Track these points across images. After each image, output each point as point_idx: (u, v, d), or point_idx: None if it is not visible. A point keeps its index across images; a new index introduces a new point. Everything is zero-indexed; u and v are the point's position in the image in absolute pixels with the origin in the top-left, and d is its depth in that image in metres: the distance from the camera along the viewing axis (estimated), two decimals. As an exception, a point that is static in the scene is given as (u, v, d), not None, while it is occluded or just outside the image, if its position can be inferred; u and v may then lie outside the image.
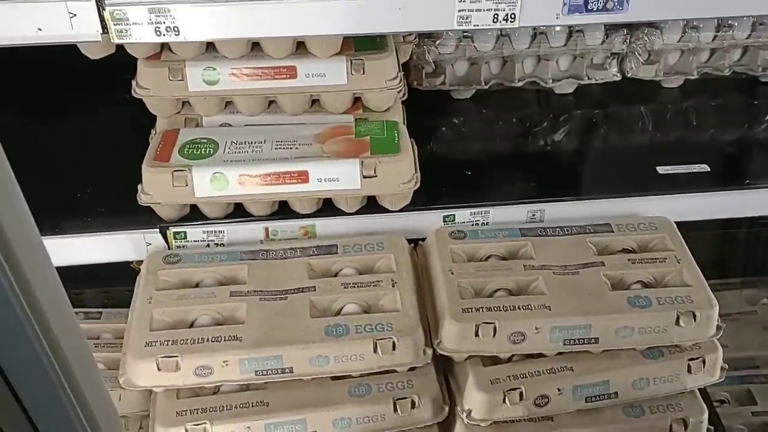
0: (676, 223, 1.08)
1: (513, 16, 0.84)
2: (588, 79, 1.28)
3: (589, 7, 0.84)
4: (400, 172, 1.00)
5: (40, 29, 0.76)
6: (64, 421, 0.39)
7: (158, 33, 0.79)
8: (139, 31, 0.78)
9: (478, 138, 1.25)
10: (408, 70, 1.26)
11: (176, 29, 0.79)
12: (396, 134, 1.03)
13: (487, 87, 1.28)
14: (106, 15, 0.77)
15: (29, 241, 0.35)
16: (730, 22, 1.22)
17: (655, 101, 1.31)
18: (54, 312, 0.36)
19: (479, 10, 0.83)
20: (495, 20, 0.84)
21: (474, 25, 0.84)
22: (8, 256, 0.33)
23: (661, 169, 1.13)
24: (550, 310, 0.93)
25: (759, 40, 1.24)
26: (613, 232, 1.05)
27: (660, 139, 1.24)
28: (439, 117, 1.28)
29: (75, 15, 0.76)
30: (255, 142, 1.02)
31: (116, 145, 1.16)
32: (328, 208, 1.04)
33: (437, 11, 0.83)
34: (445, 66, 1.25)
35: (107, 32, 0.78)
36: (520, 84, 1.27)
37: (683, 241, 1.05)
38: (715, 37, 1.24)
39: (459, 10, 0.83)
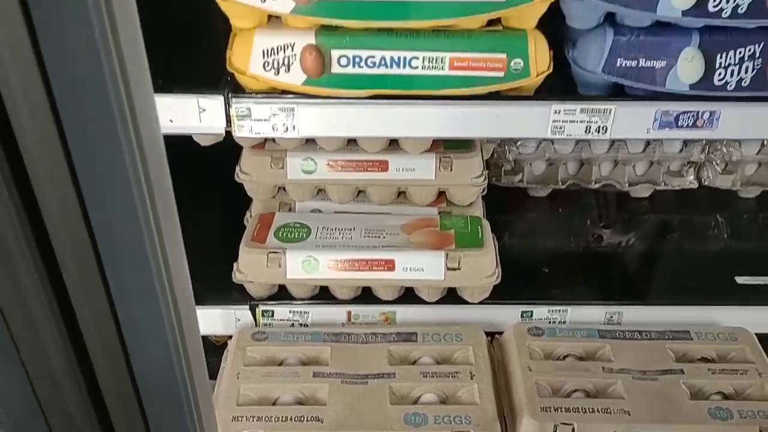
0: (756, 334, 1.07)
1: (605, 128, 0.89)
2: (664, 185, 1.30)
3: (679, 124, 0.89)
4: (483, 266, 1.03)
5: (171, 121, 0.84)
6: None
7: (275, 129, 0.87)
8: (258, 127, 0.86)
9: (555, 236, 1.28)
10: (488, 167, 1.31)
11: (294, 127, 0.86)
12: (480, 229, 1.07)
13: (563, 187, 1.31)
14: (232, 111, 0.84)
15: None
16: (809, 137, 1.24)
17: (732, 210, 1.32)
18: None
19: (573, 121, 0.88)
20: (587, 131, 0.89)
21: (567, 135, 0.89)
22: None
23: (740, 279, 1.14)
24: (629, 415, 0.93)
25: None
26: (692, 339, 1.05)
27: (738, 249, 1.25)
28: (517, 213, 1.32)
29: (204, 110, 0.84)
30: (345, 229, 1.07)
31: (210, 225, 1.23)
32: (408, 295, 1.08)
33: (533, 121, 0.88)
34: (523, 165, 1.30)
35: (231, 125, 0.86)
36: (596, 186, 1.31)
37: (764, 353, 1.04)
38: (793, 150, 1.26)
39: (553, 121, 0.88)
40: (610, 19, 0.88)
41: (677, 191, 1.33)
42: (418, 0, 0.81)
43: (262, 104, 0.85)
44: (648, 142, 1.26)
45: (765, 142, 1.26)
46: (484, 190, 1.18)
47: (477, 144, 1.13)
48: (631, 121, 0.88)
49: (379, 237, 1.06)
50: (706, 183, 1.31)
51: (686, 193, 1.33)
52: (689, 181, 1.31)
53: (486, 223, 1.10)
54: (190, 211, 1.29)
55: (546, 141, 1.27)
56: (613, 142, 1.26)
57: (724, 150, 1.26)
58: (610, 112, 0.88)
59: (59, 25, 0.31)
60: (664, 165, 1.30)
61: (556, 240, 1.27)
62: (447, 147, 1.10)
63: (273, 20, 0.86)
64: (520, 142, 1.27)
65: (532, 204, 1.34)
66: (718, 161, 1.29)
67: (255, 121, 0.86)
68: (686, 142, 1.26)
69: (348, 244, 1.04)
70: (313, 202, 1.14)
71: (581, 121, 0.88)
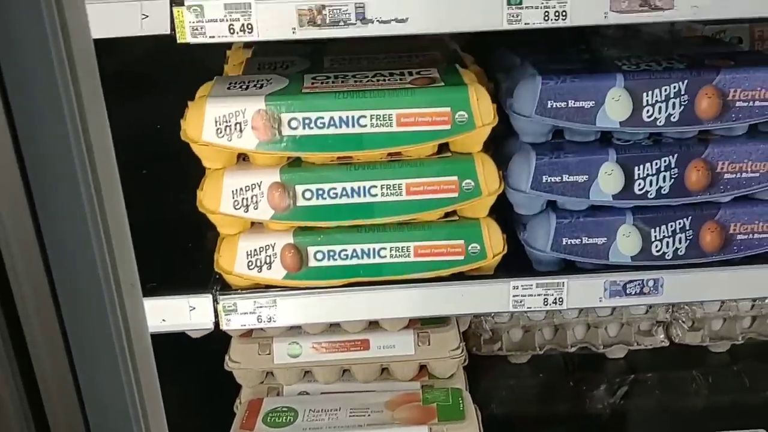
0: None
1: (561, 299, 0.97)
2: (637, 345, 1.36)
3: (628, 292, 0.97)
4: (466, 438, 1.06)
5: (164, 320, 0.92)
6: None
7: (260, 320, 0.95)
8: (244, 319, 0.94)
9: (537, 402, 1.32)
10: (467, 338, 1.37)
11: (275, 317, 0.94)
12: (461, 401, 1.11)
13: (541, 352, 1.37)
14: (220, 307, 0.93)
15: None
16: (764, 291, 1.33)
17: (705, 365, 1.37)
18: None
19: (531, 295, 0.97)
20: (545, 303, 0.97)
21: (527, 308, 0.97)
22: None
23: (721, 436, 1.16)
24: None
25: (795, 308, 1.33)
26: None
27: (714, 403, 1.28)
28: (498, 381, 1.36)
29: (194, 308, 0.92)
30: (331, 410, 1.11)
31: (200, 414, 1.26)
32: (397, 474, 1.09)
33: (494, 297, 0.97)
34: (501, 333, 1.37)
35: (218, 320, 0.94)
36: (572, 349, 1.37)
37: None
38: (753, 305, 1.33)
39: (513, 296, 0.97)
40: (552, 204, 0.99)
41: (651, 350, 1.39)
42: (382, 201, 0.93)
43: (246, 299, 0.94)
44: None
45: (724, 299, 1.34)
46: (465, 361, 1.24)
47: (452, 318, 1.20)
48: (584, 292, 0.97)
49: (364, 416, 1.10)
50: (676, 340, 1.37)
51: (660, 351, 1.38)
52: (660, 339, 1.37)
53: (467, 395, 1.14)
54: (182, 400, 1.34)
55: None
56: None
57: (688, 308, 1.34)
58: (563, 285, 0.97)
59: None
60: (634, 325, 1.37)
61: (538, 406, 1.31)
62: (424, 323, 1.17)
63: (255, 227, 0.97)
64: (494, 312, 1.34)
65: (514, 371, 1.38)
66: (684, 319, 1.36)
67: (241, 314, 0.94)
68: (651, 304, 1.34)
69: (335, 424, 1.08)
70: (300, 385, 1.19)
71: (538, 295, 0.97)
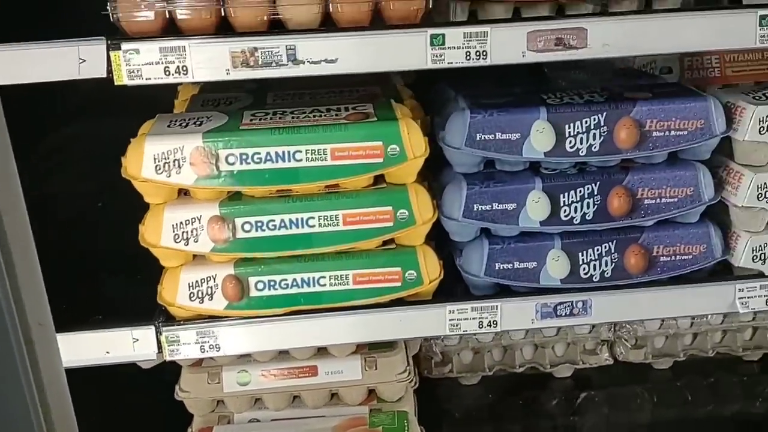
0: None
1: (495, 322, 1.01)
2: (583, 363, 1.41)
3: (558, 313, 1.01)
4: (410, 460, 1.09)
5: (108, 352, 0.94)
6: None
7: (203, 350, 0.97)
8: (187, 350, 0.96)
9: (488, 421, 1.35)
10: (418, 361, 1.40)
11: (218, 347, 0.97)
12: (406, 423, 1.14)
13: (491, 373, 1.41)
14: (162, 338, 0.95)
15: None
16: (701, 309, 1.38)
17: (649, 382, 1.41)
18: None
19: (466, 318, 1.01)
20: (480, 326, 1.01)
21: (464, 331, 1.01)
22: None
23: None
24: None
25: (732, 325, 1.38)
26: None
27: (659, 418, 1.32)
28: (450, 402, 1.39)
29: (137, 340, 0.94)
30: (280, 436, 1.14)
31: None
32: (344, 497, 1.12)
33: (432, 322, 1.00)
34: (451, 356, 1.40)
35: (161, 351, 0.96)
36: (521, 370, 1.40)
37: None
38: (692, 323, 1.39)
39: (450, 320, 1.01)
40: (486, 231, 1.04)
41: (597, 368, 1.43)
42: (319, 232, 0.96)
43: (188, 330, 0.96)
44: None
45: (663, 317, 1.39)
46: (414, 384, 1.27)
47: (399, 342, 1.23)
48: (517, 315, 1.01)
49: (311, 441, 1.12)
50: (620, 358, 1.42)
51: (606, 369, 1.43)
52: (604, 358, 1.41)
53: (413, 418, 1.17)
54: (135, 430, 1.35)
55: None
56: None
57: (629, 327, 1.39)
58: (497, 308, 1.01)
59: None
60: (580, 345, 1.41)
61: (489, 426, 1.34)
62: (371, 348, 1.20)
63: (197, 259, 1.00)
64: (443, 336, 1.38)
65: (465, 392, 1.42)
66: (627, 338, 1.41)
67: (184, 345, 0.96)
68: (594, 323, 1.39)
69: (282, 451, 1.10)
70: (250, 413, 1.21)
71: (473, 318, 1.01)
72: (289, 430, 1.15)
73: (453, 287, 1.07)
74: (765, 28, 0.88)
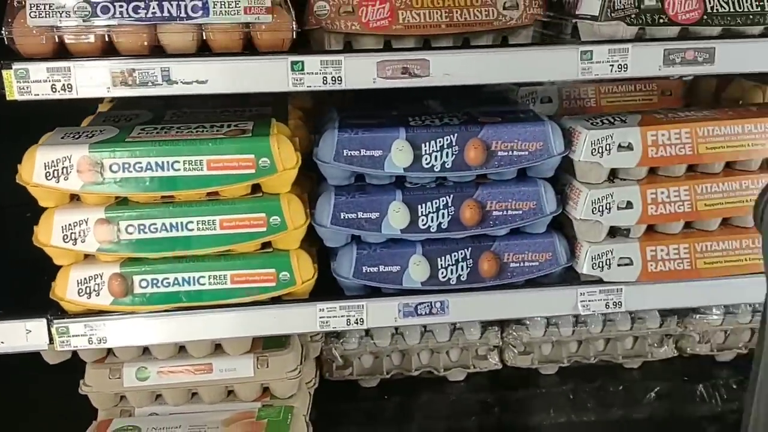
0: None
1: (362, 320, 1.12)
2: (474, 367, 1.51)
3: (419, 312, 1.12)
4: (290, 449, 1.19)
5: (2, 342, 1.03)
6: None
7: (90, 342, 1.07)
8: (76, 341, 1.06)
9: (383, 422, 1.44)
10: (321, 364, 1.50)
11: (104, 339, 1.06)
12: (290, 417, 1.24)
13: (389, 376, 1.50)
14: (53, 330, 1.05)
15: None
16: (583, 319, 1.49)
17: (536, 386, 1.52)
18: None
19: (335, 317, 1.11)
20: (348, 323, 1.11)
21: (333, 328, 1.11)
22: None
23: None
24: None
25: (611, 333, 1.49)
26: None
27: (546, 420, 1.42)
28: (349, 404, 1.48)
29: (30, 331, 1.04)
30: (173, 427, 1.22)
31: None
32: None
33: (303, 320, 1.11)
34: (352, 359, 1.50)
35: (53, 343, 1.06)
36: (417, 373, 1.50)
37: None
38: (574, 331, 1.49)
39: (320, 318, 1.11)
40: (356, 237, 1.15)
41: (489, 373, 1.53)
42: (198, 235, 1.07)
43: (77, 323, 1.06)
44: (453, 330, 1.48)
45: (549, 325, 1.50)
46: (313, 384, 1.36)
47: (293, 342, 1.33)
48: (382, 313, 1.12)
49: (201, 431, 1.21)
50: (509, 363, 1.52)
51: (497, 373, 1.53)
52: (494, 362, 1.51)
53: (297, 410, 1.27)
54: (40, 425, 1.42)
55: (367, 336, 1.49)
56: (423, 332, 1.48)
57: (515, 333, 1.49)
58: (363, 307, 1.11)
59: None
60: (472, 350, 1.52)
61: (385, 427, 1.43)
62: (265, 346, 1.30)
63: (87, 258, 1.10)
64: (343, 339, 1.48)
65: (364, 394, 1.51)
66: (514, 344, 1.51)
67: (73, 336, 1.06)
68: (485, 328, 1.49)
69: (172, 441, 1.19)
70: (151, 407, 1.30)
71: (342, 316, 1.11)
72: (181, 422, 1.24)
73: (331, 288, 1.17)
74: (585, 62, 1.00)
